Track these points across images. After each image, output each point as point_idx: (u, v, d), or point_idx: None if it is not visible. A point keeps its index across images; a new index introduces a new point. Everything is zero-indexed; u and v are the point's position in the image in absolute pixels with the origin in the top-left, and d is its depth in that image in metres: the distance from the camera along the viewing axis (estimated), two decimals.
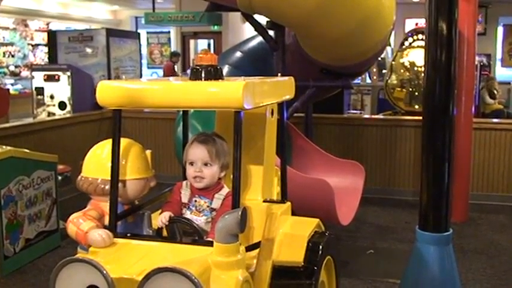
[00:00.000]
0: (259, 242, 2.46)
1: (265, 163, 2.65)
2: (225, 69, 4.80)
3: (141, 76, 9.35)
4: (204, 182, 2.38)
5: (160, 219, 2.35)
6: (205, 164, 2.37)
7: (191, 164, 2.40)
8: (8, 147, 4.31)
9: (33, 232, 4.39)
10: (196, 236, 2.29)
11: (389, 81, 7.91)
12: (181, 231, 2.38)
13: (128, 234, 2.27)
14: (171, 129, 5.81)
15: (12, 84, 14.08)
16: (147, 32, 18.02)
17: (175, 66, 13.75)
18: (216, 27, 13.91)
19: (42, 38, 16.21)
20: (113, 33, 8.29)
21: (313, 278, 2.43)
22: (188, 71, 2.31)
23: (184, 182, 2.48)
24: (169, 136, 6.40)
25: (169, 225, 2.33)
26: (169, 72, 13.03)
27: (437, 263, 3.09)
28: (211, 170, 2.38)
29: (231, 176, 2.17)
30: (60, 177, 4.82)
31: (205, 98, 2.12)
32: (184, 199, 2.44)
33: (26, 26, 16.23)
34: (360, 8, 3.93)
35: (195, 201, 2.41)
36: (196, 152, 2.38)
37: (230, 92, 2.09)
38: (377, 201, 5.94)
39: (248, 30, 8.24)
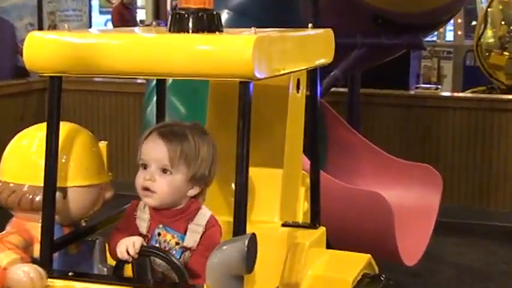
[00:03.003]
0: None
1: (286, 165, 2.66)
2: (225, 16, 4.80)
3: (90, 26, 9.37)
4: (156, 199, 2.33)
5: (125, 247, 2.30)
6: (163, 171, 2.34)
7: (144, 167, 2.37)
8: None
9: None
10: (180, 280, 2.29)
11: (482, 39, 7.90)
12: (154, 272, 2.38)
13: (70, 273, 2.27)
14: (138, 109, 5.82)
15: None
16: None
17: (133, 12, 13.48)
18: None
19: None
20: None
21: None
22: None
23: (142, 202, 2.43)
24: (135, 120, 6.41)
25: (139, 260, 2.32)
26: (118, 22, 12.44)
27: None
28: (170, 181, 2.32)
29: (232, 186, 2.16)
30: None
31: (193, 60, 2.12)
32: (142, 228, 2.40)
33: None
34: None
35: (158, 234, 2.37)
36: (152, 150, 2.35)
37: (233, 50, 2.09)
38: (461, 229, 5.94)
39: None
